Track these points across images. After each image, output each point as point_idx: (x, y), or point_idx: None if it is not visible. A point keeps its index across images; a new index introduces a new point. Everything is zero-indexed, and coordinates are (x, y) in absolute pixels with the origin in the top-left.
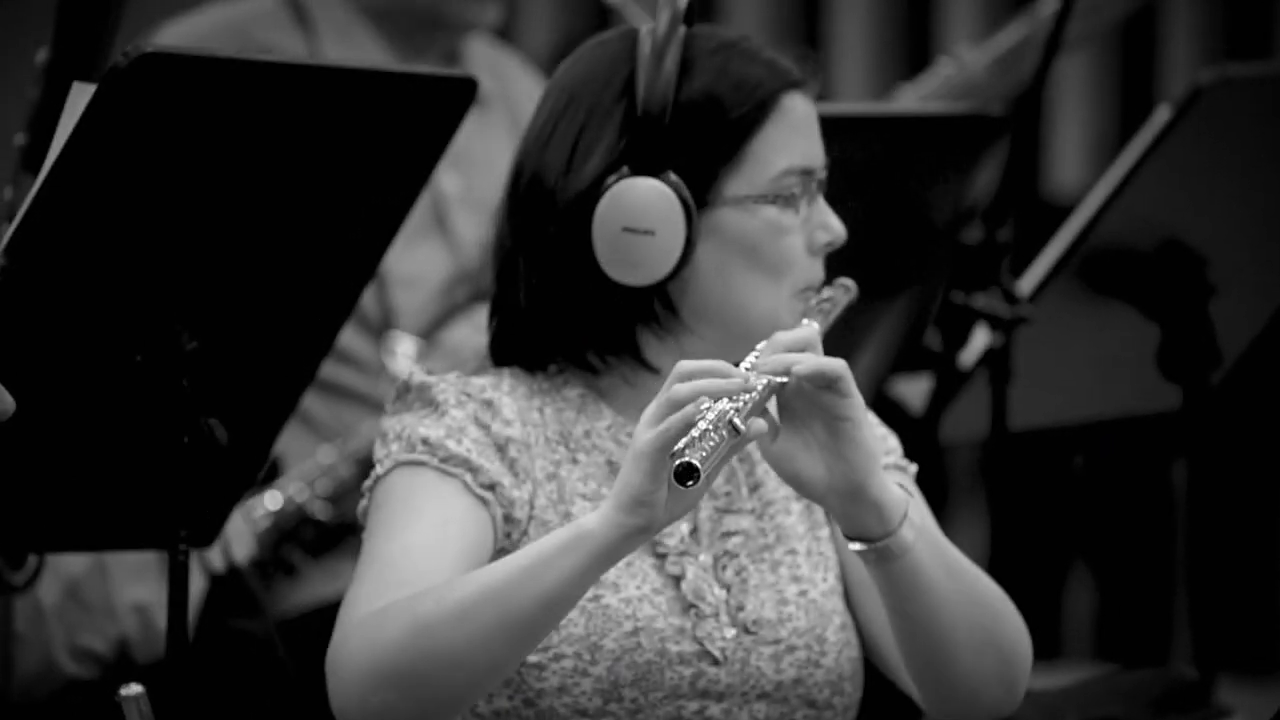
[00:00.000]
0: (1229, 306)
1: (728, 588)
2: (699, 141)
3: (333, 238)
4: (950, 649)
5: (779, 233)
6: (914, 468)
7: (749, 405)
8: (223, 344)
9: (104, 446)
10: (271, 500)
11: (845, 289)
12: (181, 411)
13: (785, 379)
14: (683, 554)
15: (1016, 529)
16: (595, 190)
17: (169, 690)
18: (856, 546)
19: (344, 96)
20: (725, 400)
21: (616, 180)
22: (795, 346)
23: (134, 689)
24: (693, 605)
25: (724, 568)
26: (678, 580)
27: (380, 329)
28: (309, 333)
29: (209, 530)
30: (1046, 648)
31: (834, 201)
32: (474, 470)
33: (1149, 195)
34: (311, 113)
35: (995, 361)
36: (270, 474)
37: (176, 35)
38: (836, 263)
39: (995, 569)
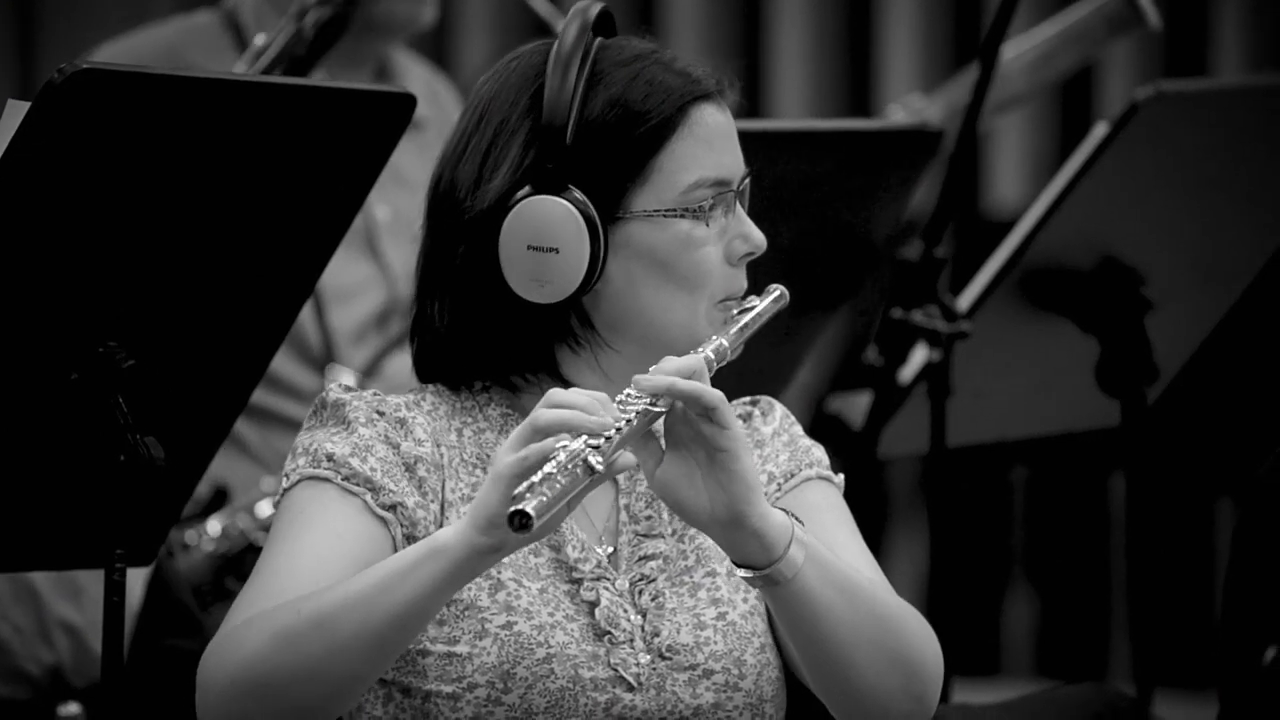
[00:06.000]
0: (1167, 322)
1: (643, 613)
2: (605, 156)
3: (269, 254)
4: (850, 667)
5: (691, 245)
6: (840, 479)
7: (614, 441)
8: (159, 361)
9: (40, 465)
10: (214, 528)
11: (775, 296)
12: (118, 429)
13: (664, 409)
14: (598, 579)
15: (956, 544)
16: (500, 208)
17: (106, 710)
18: (743, 573)
19: (281, 112)
20: (585, 438)
21: (520, 198)
22: (682, 373)
23: (72, 709)
24: (607, 632)
25: (640, 592)
26: (592, 606)
27: (323, 361)
28: (246, 349)
29: (146, 549)
30: (986, 663)
31: (771, 217)
32: (375, 490)
33: (1087, 211)
34: (248, 129)
35: (934, 377)
36: (217, 503)
37: (111, 56)
38: (774, 278)
39: (935, 584)
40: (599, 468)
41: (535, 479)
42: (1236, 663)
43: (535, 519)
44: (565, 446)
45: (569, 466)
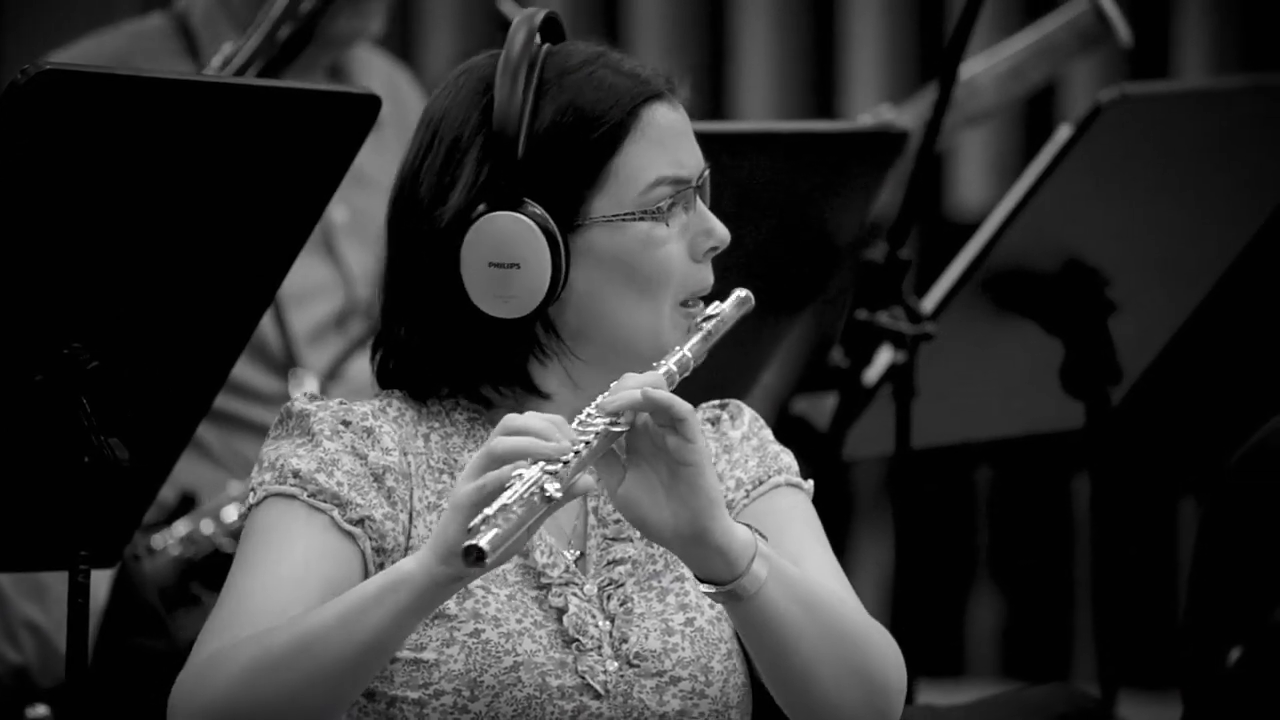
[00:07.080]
0: (1131, 323)
1: (611, 619)
2: (559, 166)
3: (234, 255)
4: (811, 682)
5: (652, 245)
6: (809, 485)
7: (572, 465)
8: (124, 363)
9: (3, 466)
10: (180, 532)
11: (740, 300)
12: (82, 431)
13: (624, 428)
14: (567, 584)
15: (921, 545)
16: (460, 227)
17: (74, 712)
18: (706, 588)
19: (245, 114)
20: (543, 464)
21: (477, 216)
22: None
23: (40, 711)
24: (574, 639)
25: (609, 598)
26: (560, 613)
27: (283, 364)
28: (210, 350)
29: (110, 551)
30: (951, 663)
31: (736, 218)
32: (343, 505)
33: (1051, 213)
34: (212, 130)
35: (899, 379)
36: (184, 509)
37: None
38: (738, 280)
39: (900, 585)
40: (556, 495)
41: (490, 511)
42: (1201, 664)
43: (489, 553)
44: (521, 475)
45: (525, 496)
